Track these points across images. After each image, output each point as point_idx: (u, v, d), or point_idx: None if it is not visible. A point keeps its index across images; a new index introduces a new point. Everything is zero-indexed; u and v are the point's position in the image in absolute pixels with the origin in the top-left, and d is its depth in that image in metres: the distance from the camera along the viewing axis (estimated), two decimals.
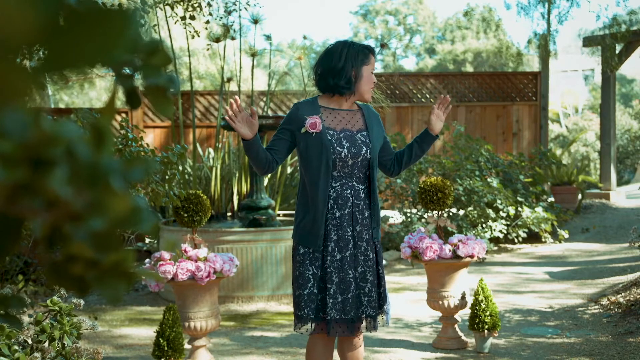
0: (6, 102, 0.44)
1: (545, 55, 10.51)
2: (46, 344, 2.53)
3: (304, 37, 8.38)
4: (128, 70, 0.51)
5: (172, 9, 6.51)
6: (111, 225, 0.48)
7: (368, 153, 2.66)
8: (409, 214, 7.50)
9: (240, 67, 7.18)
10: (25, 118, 0.45)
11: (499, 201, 7.42)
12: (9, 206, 0.46)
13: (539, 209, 7.76)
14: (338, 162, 2.62)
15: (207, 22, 6.82)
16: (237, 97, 2.53)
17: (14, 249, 0.49)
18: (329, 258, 2.60)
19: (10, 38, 0.43)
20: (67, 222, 0.47)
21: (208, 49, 7.36)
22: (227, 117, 2.55)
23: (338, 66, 2.63)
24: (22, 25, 0.43)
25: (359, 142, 2.66)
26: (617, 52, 9.90)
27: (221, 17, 7.14)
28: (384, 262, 6.13)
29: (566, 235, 8.27)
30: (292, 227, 5.40)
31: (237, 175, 7.19)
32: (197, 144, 7.90)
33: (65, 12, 0.45)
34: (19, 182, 0.45)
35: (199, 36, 6.73)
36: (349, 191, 2.65)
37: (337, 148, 2.62)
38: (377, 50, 9.02)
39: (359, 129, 2.71)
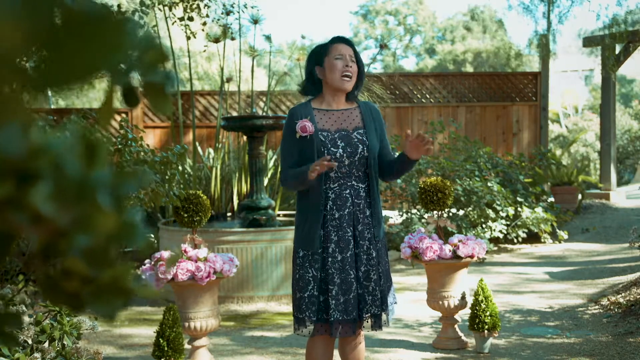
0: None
1: (545, 55, 10.51)
2: (46, 344, 2.53)
3: (302, 37, 8.37)
4: (124, 68, 0.51)
5: (171, 9, 6.52)
6: (101, 241, 0.47)
7: (365, 151, 2.62)
8: (408, 214, 7.50)
9: (240, 68, 7.19)
10: (16, 134, 0.44)
11: (497, 202, 7.42)
12: None
13: (538, 210, 7.76)
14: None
15: (204, 23, 6.83)
16: (328, 156, 2.53)
17: (3, 262, 0.49)
18: (329, 259, 2.59)
19: (2, 53, 0.43)
20: (55, 238, 0.46)
21: (205, 50, 7.38)
22: (313, 174, 2.50)
23: (306, 71, 2.78)
24: (12, 39, 0.43)
25: (355, 140, 2.63)
26: (616, 52, 9.90)
27: (218, 19, 7.14)
28: None
29: (565, 236, 8.27)
30: (291, 227, 5.42)
31: (237, 175, 7.19)
32: (197, 144, 7.90)
33: (61, 22, 0.44)
34: (4, 196, 0.44)
35: (195, 37, 6.74)
36: (348, 191, 2.63)
37: (332, 149, 2.59)
38: (377, 50, 9.02)
39: (355, 127, 2.67)
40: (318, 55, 2.72)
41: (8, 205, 0.45)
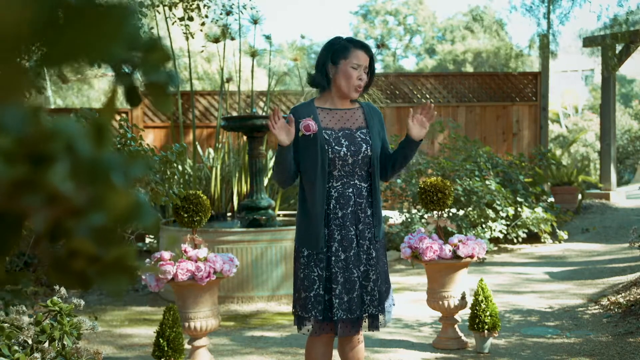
0: (5, 99, 0.44)
1: (546, 55, 10.51)
2: (46, 345, 2.53)
3: (302, 37, 8.37)
4: (127, 69, 0.51)
5: (171, 9, 6.52)
6: (112, 220, 0.48)
7: (368, 150, 2.63)
8: (408, 214, 7.50)
9: (240, 68, 7.19)
10: (25, 113, 0.45)
11: (497, 201, 7.42)
12: (10, 203, 0.46)
13: (538, 210, 7.76)
14: (338, 161, 2.60)
15: (203, 23, 6.83)
16: (277, 107, 2.56)
17: (15, 247, 0.49)
18: (333, 258, 2.59)
19: (7, 35, 0.43)
20: (68, 217, 0.47)
21: (202, 51, 7.39)
22: (268, 122, 2.56)
23: (317, 61, 2.71)
24: (18, 22, 0.43)
25: (359, 139, 2.64)
26: (617, 52, 9.89)
27: (217, 20, 7.15)
28: None
29: (565, 236, 8.27)
30: (292, 227, 5.43)
31: (237, 175, 7.19)
32: (197, 144, 7.90)
33: (63, 8, 0.45)
34: (19, 178, 0.45)
35: (193, 38, 6.75)
36: (350, 190, 2.63)
37: (336, 147, 2.60)
38: (375, 50, 9.03)
39: (359, 126, 2.68)
40: (335, 53, 2.65)
41: (22, 187, 0.45)
